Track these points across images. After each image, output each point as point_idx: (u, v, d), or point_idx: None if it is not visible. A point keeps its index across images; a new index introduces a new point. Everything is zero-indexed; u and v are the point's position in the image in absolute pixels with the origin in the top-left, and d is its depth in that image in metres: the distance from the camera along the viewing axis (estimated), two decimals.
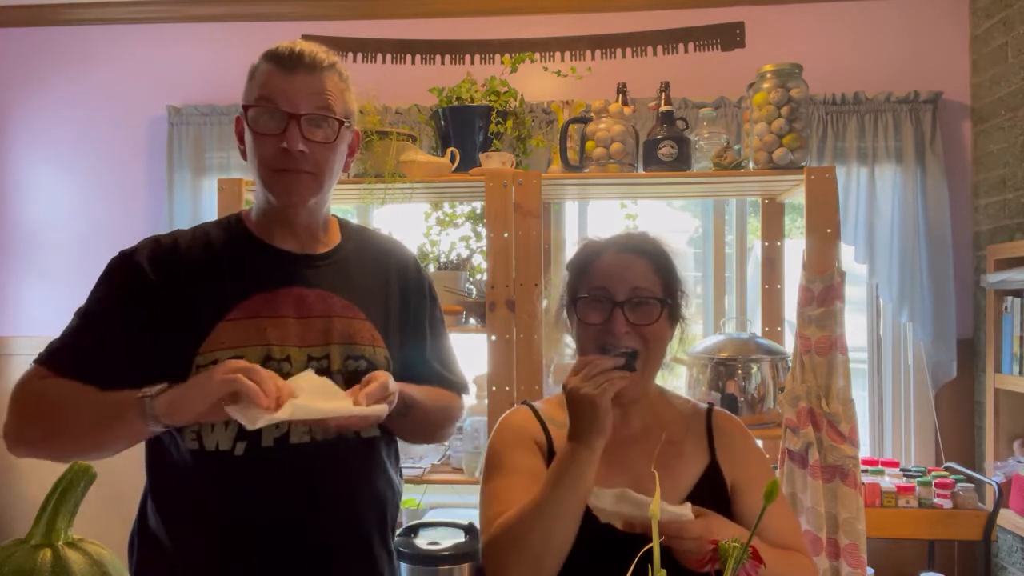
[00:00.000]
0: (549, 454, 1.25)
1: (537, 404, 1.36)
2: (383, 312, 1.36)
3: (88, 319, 1.24)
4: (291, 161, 1.23)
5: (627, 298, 1.22)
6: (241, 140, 1.31)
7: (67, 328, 1.25)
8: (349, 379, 1.26)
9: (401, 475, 1.44)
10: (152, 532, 1.26)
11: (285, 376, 1.16)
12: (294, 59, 1.25)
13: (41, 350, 1.24)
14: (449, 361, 1.49)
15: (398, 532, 2.48)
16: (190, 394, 1.09)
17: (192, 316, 1.22)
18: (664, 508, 1.10)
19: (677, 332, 1.30)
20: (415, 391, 1.32)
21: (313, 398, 1.11)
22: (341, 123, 1.27)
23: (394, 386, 1.21)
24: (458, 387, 1.49)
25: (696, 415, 1.33)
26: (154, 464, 1.29)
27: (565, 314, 1.31)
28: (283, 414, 1.06)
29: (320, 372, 1.23)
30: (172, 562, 1.23)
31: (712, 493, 1.23)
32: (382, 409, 1.16)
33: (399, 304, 1.40)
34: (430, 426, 1.43)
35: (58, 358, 1.21)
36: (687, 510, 1.10)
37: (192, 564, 1.22)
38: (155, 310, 1.22)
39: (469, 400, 2.60)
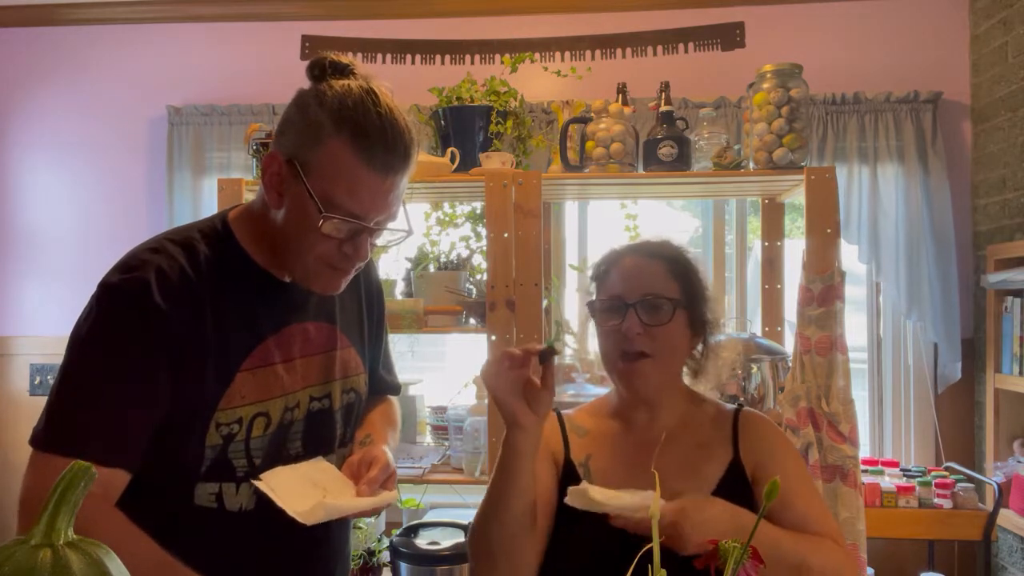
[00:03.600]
0: (565, 464, 1.29)
1: (568, 412, 1.38)
2: (361, 334, 1.32)
3: (104, 379, 1.01)
4: (350, 264, 1.11)
5: (639, 299, 1.24)
6: (275, 183, 1.09)
7: (73, 390, 1.01)
8: (345, 414, 1.26)
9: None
10: None
11: (292, 423, 1.17)
12: (388, 156, 1.05)
13: (61, 428, 0.99)
14: (390, 363, 1.47)
15: (398, 532, 2.48)
16: None
17: (211, 366, 1.07)
18: (625, 497, 1.11)
19: (705, 335, 1.31)
20: (385, 431, 1.32)
21: (329, 492, 1.13)
22: (407, 232, 1.15)
23: (391, 462, 1.19)
24: (396, 389, 1.47)
25: (723, 416, 1.32)
26: (142, 514, 1.03)
27: (591, 323, 1.33)
28: (315, 519, 1.07)
29: (322, 413, 1.21)
30: None
31: (734, 489, 1.23)
32: (393, 497, 1.16)
33: (368, 320, 1.35)
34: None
35: (83, 440, 0.98)
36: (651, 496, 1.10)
37: None
38: (176, 359, 1.04)
39: (469, 400, 2.61)
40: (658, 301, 1.24)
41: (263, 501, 1.08)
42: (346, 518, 1.21)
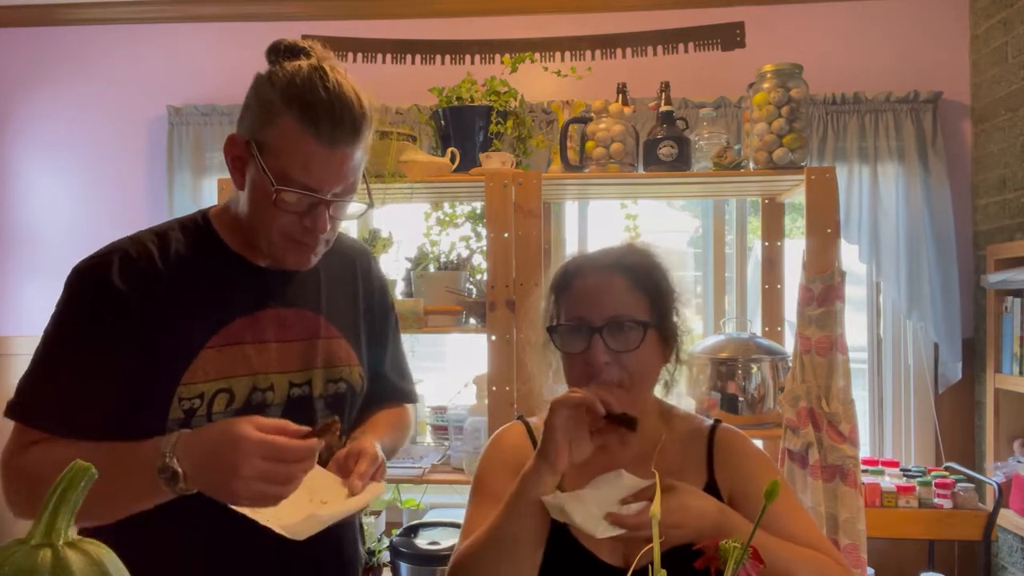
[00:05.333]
0: None
1: (532, 420, 1.30)
2: (354, 326, 1.31)
3: (64, 357, 1.10)
4: (310, 237, 1.14)
5: (605, 323, 1.13)
6: (236, 165, 1.16)
7: (37, 365, 1.11)
8: (331, 403, 1.24)
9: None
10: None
11: (267, 407, 1.16)
12: (335, 125, 1.08)
13: (11, 397, 1.09)
14: (404, 369, 1.45)
15: (398, 532, 2.48)
16: (215, 479, 0.97)
17: (173, 343, 1.11)
18: (624, 482, 1.08)
19: (676, 346, 1.21)
20: (383, 431, 1.29)
21: (316, 493, 1.09)
22: (368, 206, 1.22)
23: (378, 449, 1.18)
24: (411, 397, 1.46)
25: (697, 435, 1.24)
26: None
27: (549, 338, 1.22)
28: (301, 534, 1.01)
29: (303, 399, 1.21)
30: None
31: None
32: (381, 489, 1.14)
33: (365, 315, 1.34)
34: (393, 456, 1.39)
35: (39, 413, 1.08)
36: (644, 482, 1.07)
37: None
38: (133, 337, 1.09)
39: (469, 400, 2.61)
40: (627, 324, 1.13)
41: None
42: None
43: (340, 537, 1.29)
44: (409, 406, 1.46)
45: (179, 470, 0.97)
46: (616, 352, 1.13)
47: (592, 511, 1.04)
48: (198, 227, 1.22)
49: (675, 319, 1.20)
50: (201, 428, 1.03)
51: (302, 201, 1.11)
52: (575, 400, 1.05)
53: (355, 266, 1.35)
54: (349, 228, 2.82)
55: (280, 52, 1.14)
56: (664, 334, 1.18)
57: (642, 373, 1.16)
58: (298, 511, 1.04)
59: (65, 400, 1.08)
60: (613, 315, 1.14)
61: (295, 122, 1.08)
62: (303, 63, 1.12)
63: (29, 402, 1.09)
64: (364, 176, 1.17)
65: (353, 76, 1.15)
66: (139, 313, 1.10)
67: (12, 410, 1.09)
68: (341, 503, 1.09)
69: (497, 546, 1.07)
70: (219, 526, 1.07)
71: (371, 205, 1.23)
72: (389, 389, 1.40)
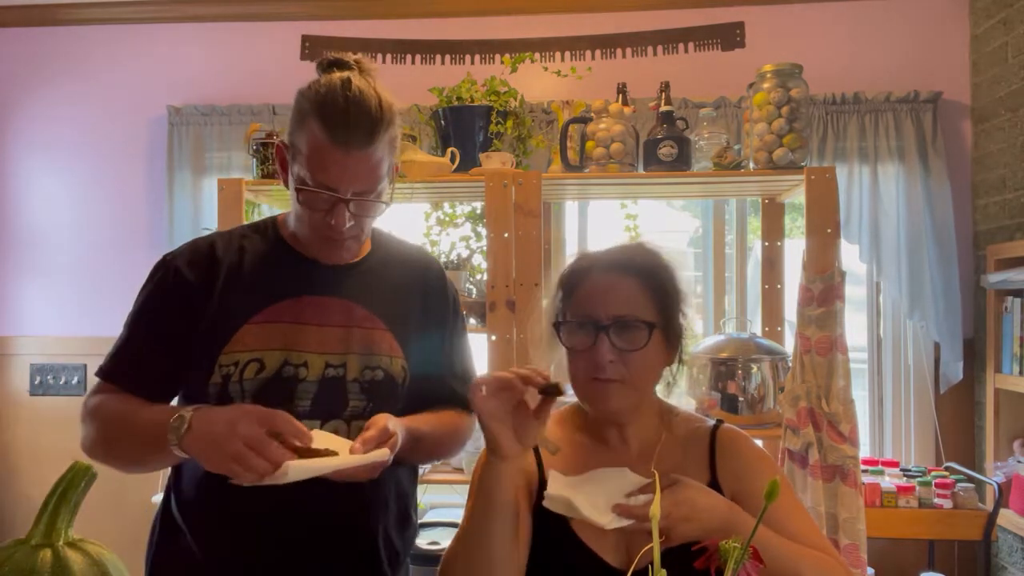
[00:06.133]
0: (539, 481, 1.19)
1: None
2: (403, 323, 1.36)
3: (135, 327, 1.32)
4: (337, 233, 1.25)
5: (612, 322, 1.14)
6: (284, 168, 1.31)
7: (120, 336, 1.33)
8: (366, 388, 1.30)
9: (416, 479, 1.47)
10: (173, 519, 1.32)
11: (300, 381, 1.27)
12: (349, 128, 1.19)
13: (102, 360, 1.33)
14: (468, 375, 1.46)
15: None
16: (207, 451, 1.11)
17: (221, 318, 1.27)
18: (629, 478, 1.08)
19: (680, 347, 1.22)
20: (422, 422, 1.31)
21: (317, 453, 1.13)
22: (386, 204, 1.29)
23: (395, 426, 1.20)
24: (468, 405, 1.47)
25: (699, 435, 1.24)
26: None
27: (555, 333, 1.23)
28: (281, 479, 1.08)
29: (335, 380, 1.29)
30: (190, 549, 1.29)
31: None
32: (383, 454, 1.15)
33: (420, 317, 1.40)
34: (438, 453, 1.47)
35: (112, 369, 1.31)
36: (624, 481, 1.08)
37: (210, 554, 1.27)
38: (192, 312, 1.28)
39: None
40: (633, 324, 1.15)
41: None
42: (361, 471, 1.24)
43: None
44: (465, 414, 1.44)
45: (186, 415, 1.12)
46: (621, 351, 1.14)
47: (598, 503, 1.04)
48: (265, 227, 1.40)
49: (681, 320, 1.21)
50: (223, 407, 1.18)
51: (323, 200, 1.23)
52: (492, 385, 1.03)
53: (414, 269, 1.44)
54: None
55: (324, 66, 1.29)
56: (669, 335, 1.19)
57: (645, 373, 1.17)
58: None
59: (131, 361, 1.30)
60: (620, 314, 1.15)
61: (317, 127, 1.20)
62: (337, 74, 1.24)
63: (107, 362, 1.32)
64: (390, 174, 1.29)
65: (383, 81, 1.28)
66: (199, 295, 1.28)
67: (99, 370, 1.33)
68: (323, 460, 1.12)
69: (468, 544, 1.09)
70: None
71: (388, 204, 1.30)
72: (448, 393, 1.41)
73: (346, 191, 1.22)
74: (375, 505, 1.33)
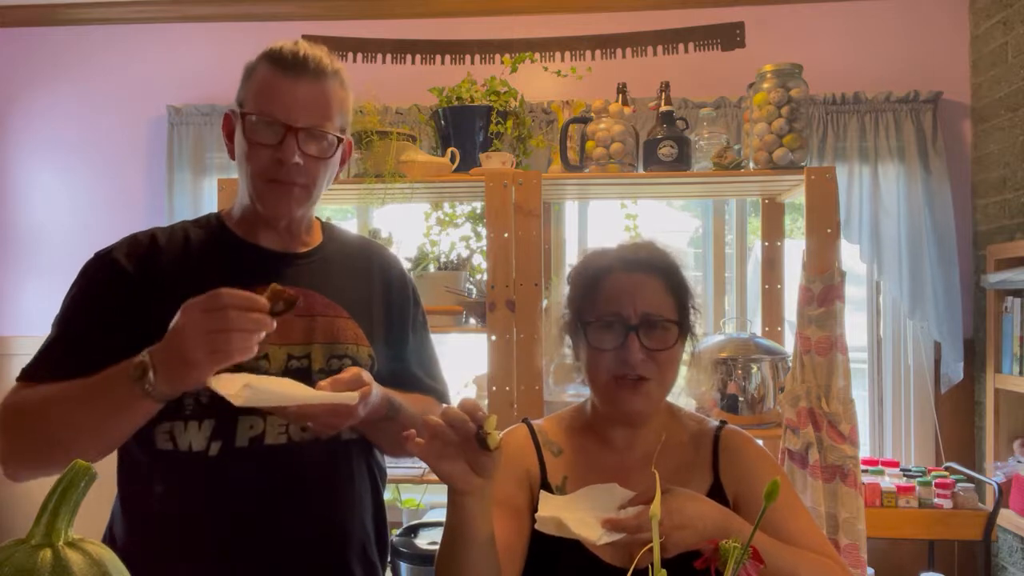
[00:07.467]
0: (542, 484, 1.19)
1: (537, 423, 1.28)
2: (366, 312, 1.33)
3: (65, 325, 1.22)
4: (284, 173, 1.21)
5: (641, 322, 1.14)
6: (230, 138, 1.28)
7: (45, 341, 1.22)
8: (326, 377, 1.22)
9: (384, 482, 1.40)
10: (117, 538, 1.24)
11: (260, 374, 1.15)
12: (298, 64, 1.21)
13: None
14: (433, 368, 1.45)
15: (398, 532, 2.48)
16: (171, 348, 1.04)
17: (169, 311, 1.11)
18: (617, 492, 1.08)
19: (688, 347, 1.22)
20: (400, 397, 1.27)
21: (285, 386, 1.10)
22: (339, 139, 1.25)
23: (369, 377, 1.17)
24: (442, 397, 1.44)
25: (703, 436, 1.24)
26: (124, 470, 1.25)
27: (568, 332, 1.22)
28: (239, 399, 1.03)
29: (301, 371, 1.22)
30: (140, 563, 1.16)
31: None
32: (351, 396, 1.10)
33: (382, 306, 1.37)
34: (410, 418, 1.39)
35: (37, 369, 1.19)
36: (615, 495, 1.08)
37: (163, 564, 1.17)
38: (134, 308, 1.19)
39: None
40: (663, 324, 1.15)
41: (226, 447, 1.18)
42: (324, 465, 1.23)
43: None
44: (438, 404, 1.41)
45: (145, 359, 1.04)
46: (651, 350, 1.14)
47: (588, 520, 1.04)
48: (208, 220, 1.34)
49: (692, 320, 1.22)
50: None
51: (272, 131, 1.20)
52: (426, 431, 0.96)
53: (371, 260, 1.40)
54: (349, 228, 2.81)
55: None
56: (686, 335, 1.20)
57: (672, 372, 1.18)
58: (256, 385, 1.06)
59: (59, 361, 1.18)
60: (649, 313, 1.15)
61: (264, 67, 1.23)
62: None
63: (32, 364, 1.20)
64: (343, 127, 1.27)
65: (352, 75, 1.27)
66: (139, 286, 1.22)
67: (20, 375, 1.21)
68: (289, 388, 1.10)
69: (446, 560, 1.08)
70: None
71: (340, 139, 1.26)
72: (417, 383, 1.39)
73: (295, 120, 1.19)
74: (343, 513, 1.29)
